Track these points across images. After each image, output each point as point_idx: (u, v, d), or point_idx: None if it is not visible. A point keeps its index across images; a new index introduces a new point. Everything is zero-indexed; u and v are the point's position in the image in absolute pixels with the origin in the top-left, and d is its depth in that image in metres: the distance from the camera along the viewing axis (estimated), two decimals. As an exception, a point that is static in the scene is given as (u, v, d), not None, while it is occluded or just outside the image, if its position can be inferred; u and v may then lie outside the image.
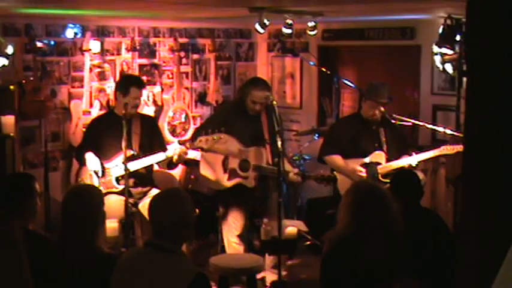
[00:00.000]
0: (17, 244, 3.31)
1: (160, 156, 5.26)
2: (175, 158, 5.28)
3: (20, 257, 3.26)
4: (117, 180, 5.26)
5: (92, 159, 5.24)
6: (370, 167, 5.50)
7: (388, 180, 5.29)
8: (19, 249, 3.28)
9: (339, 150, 5.59)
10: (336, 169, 5.63)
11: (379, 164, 5.50)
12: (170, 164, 5.41)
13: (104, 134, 5.36)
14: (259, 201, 5.50)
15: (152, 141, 5.41)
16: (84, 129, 6.23)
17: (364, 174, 5.43)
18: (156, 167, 5.65)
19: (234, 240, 5.58)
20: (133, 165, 5.14)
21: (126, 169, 4.91)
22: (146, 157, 5.27)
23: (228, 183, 5.44)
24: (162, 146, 5.43)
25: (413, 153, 5.51)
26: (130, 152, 5.08)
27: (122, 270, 3.21)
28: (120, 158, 5.15)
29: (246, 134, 5.34)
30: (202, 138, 5.15)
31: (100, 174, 5.23)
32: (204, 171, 5.59)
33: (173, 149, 5.28)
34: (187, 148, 5.34)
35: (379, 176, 5.44)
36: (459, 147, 5.24)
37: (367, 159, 5.52)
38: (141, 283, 3.10)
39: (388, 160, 5.50)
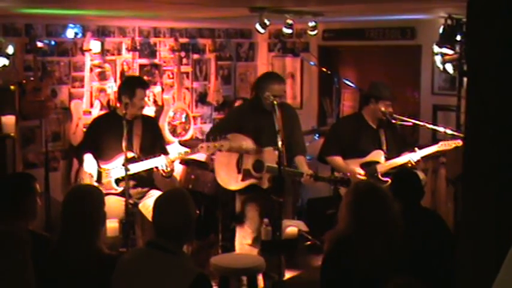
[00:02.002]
0: (23, 245, 3.31)
1: (161, 160, 5.23)
2: (164, 170, 5.24)
3: (25, 258, 3.26)
4: (117, 182, 5.24)
5: (89, 161, 5.22)
6: (370, 166, 5.50)
7: (388, 179, 5.30)
8: (25, 250, 3.28)
9: (340, 150, 5.57)
10: (336, 169, 5.63)
11: (379, 163, 5.49)
12: (162, 176, 5.39)
13: (104, 134, 5.34)
14: (275, 204, 5.42)
15: (154, 143, 5.38)
16: (85, 129, 6.25)
17: (363, 177, 5.41)
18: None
19: (247, 242, 5.42)
20: (134, 168, 5.12)
21: (126, 171, 4.90)
22: (146, 160, 5.25)
23: (242, 184, 5.36)
24: (163, 149, 5.43)
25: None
26: (130, 154, 5.07)
27: (122, 270, 3.21)
28: (120, 160, 5.14)
29: (262, 134, 5.28)
30: (203, 144, 5.12)
31: (95, 178, 5.21)
32: (218, 170, 5.52)
33: (161, 162, 5.22)
34: (188, 153, 5.33)
35: (379, 175, 5.44)
36: (457, 142, 5.24)
37: (366, 159, 5.51)
38: (142, 283, 3.10)
39: (387, 159, 5.50)
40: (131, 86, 5.38)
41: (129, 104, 5.23)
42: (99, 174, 5.24)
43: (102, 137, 5.35)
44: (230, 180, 5.43)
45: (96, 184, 5.15)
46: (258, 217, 5.44)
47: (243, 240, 5.48)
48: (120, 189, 5.20)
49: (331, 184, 5.22)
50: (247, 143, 5.29)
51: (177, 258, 3.15)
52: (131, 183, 5.16)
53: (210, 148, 5.12)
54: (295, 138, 5.40)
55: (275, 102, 4.99)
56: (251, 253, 5.40)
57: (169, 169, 5.24)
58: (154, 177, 5.59)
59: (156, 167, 5.32)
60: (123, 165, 4.91)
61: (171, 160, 5.23)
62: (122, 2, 5.13)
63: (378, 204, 3.51)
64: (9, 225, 3.49)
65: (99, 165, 5.25)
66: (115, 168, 5.23)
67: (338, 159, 5.56)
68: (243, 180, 5.37)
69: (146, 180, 5.45)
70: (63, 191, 6.26)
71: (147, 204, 5.20)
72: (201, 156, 6.98)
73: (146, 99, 6.85)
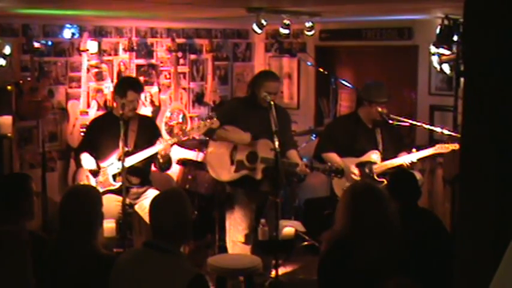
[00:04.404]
0: (23, 245, 3.31)
1: (152, 149, 5.24)
2: (160, 153, 5.25)
3: (25, 258, 3.26)
4: (114, 177, 5.26)
5: (87, 159, 5.24)
6: (365, 166, 5.49)
7: (383, 180, 5.31)
8: (25, 250, 3.28)
9: (335, 148, 5.57)
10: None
11: (375, 163, 5.49)
12: (160, 165, 5.40)
13: (102, 135, 5.37)
14: (267, 198, 5.45)
15: (149, 141, 5.38)
16: (82, 130, 6.25)
17: (357, 177, 5.42)
18: (153, 168, 5.64)
19: (240, 240, 5.44)
20: (128, 161, 5.10)
21: (123, 167, 4.90)
22: (140, 152, 5.26)
23: (235, 175, 5.40)
24: None
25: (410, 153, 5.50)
26: (125, 149, 5.07)
27: (120, 270, 3.21)
28: (115, 156, 5.18)
29: (257, 128, 5.33)
30: (194, 125, 5.18)
31: (95, 173, 5.24)
32: (210, 162, 5.55)
33: (155, 150, 5.26)
34: (180, 140, 5.33)
35: (375, 175, 5.44)
36: (453, 146, 5.25)
37: (362, 159, 5.51)
38: (140, 283, 3.10)
39: (383, 160, 5.50)
40: (123, 87, 5.40)
41: (120, 103, 5.25)
42: (97, 172, 5.26)
43: (100, 138, 5.37)
44: (223, 171, 5.45)
45: (93, 182, 5.17)
46: (250, 213, 5.46)
47: (235, 238, 5.48)
48: (117, 184, 5.21)
49: (325, 173, 5.28)
50: (246, 136, 5.35)
51: (174, 258, 3.15)
52: (128, 181, 5.17)
53: (201, 128, 5.18)
54: (287, 136, 5.50)
55: (271, 102, 5.05)
56: (244, 251, 5.42)
57: (164, 153, 5.24)
58: (152, 178, 5.60)
59: (153, 160, 5.33)
60: (119, 159, 4.92)
61: (164, 148, 5.22)
62: (119, 2, 5.12)
63: (375, 204, 3.51)
64: (9, 225, 3.49)
65: (96, 165, 5.26)
66: (111, 164, 5.25)
67: (334, 155, 5.54)
68: (236, 171, 5.40)
69: (144, 179, 5.45)
70: (60, 191, 6.26)
71: (144, 206, 5.21)
72: (197, 157, 6.99)
73: (143, 99, 6.90)
